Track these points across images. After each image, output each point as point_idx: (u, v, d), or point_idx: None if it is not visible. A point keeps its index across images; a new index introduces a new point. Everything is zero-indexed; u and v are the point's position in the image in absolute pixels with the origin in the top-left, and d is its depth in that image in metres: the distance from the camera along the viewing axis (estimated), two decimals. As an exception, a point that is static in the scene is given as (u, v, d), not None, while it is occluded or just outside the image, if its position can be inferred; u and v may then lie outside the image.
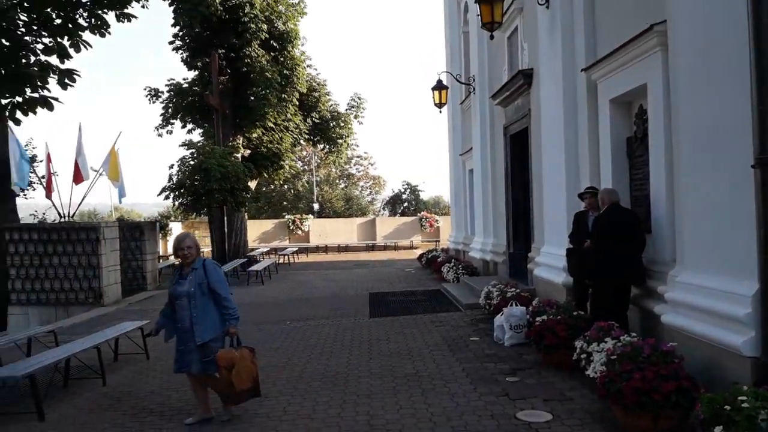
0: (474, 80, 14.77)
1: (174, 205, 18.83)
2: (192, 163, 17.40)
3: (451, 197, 20.34)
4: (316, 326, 9.79)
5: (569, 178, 8.59)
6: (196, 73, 21.54)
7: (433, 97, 15.01)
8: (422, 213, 31.94)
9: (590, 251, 6.75)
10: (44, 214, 21.21)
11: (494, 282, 9.99)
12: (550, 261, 9.01)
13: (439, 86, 14.93)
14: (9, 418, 5.61)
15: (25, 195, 17.99)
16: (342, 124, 25.58)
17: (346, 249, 29.04)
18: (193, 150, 17.75)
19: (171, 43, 20.93)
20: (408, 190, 38.63)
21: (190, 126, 22.46)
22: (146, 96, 21.84)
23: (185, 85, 21.72)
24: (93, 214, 33.47)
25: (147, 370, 7.32)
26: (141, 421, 5.47)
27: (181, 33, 20.68)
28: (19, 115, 6.48)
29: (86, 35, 6.73)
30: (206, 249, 25.33)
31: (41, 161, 18.07)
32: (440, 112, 15.63)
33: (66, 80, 6.60)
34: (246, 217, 22.92)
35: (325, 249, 28.99)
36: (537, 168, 10.29)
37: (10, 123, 7.46)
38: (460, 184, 18.37)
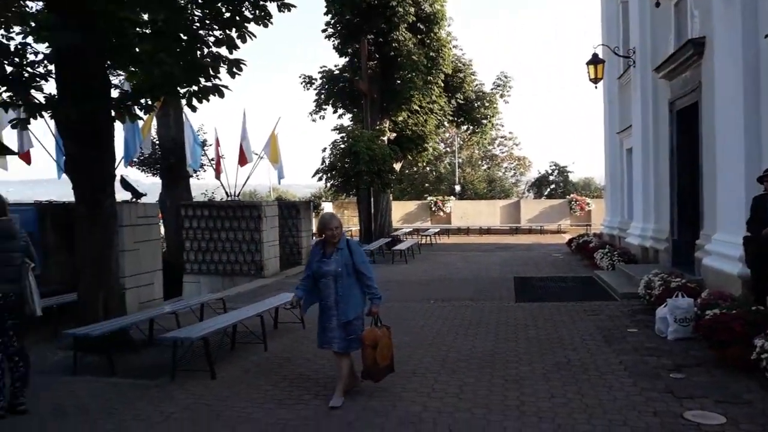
0: (634, 52, 13.66)
1: (326, 186, 19.80)
2: (342, 146, 18.13)
3: (606, 179, 19.12)
4: (459, 307, 9.77)
5: (748, 158, 7.64)
6: (347, 59, 22.27)
7: (588, 72, 14.12)
8: (572, 195, 30.46)
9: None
10: (212, 193, 23.44)
11: (655, 270, 9.24)
12: (724, 249, 8.12)
13: (595, 60, 14.00)
14: (186, 375, 6.26)
15: (197, 176, 19.89)
16: (487, 104, 25.08)
17: (488, 231, 28.62)
18: (344, 134, 18.47)
19: (323, 30, 21.82)
20: (555, 171, 36.95)
21: (340, 111, 23.35)
22: (301, 83, 23.02)
23: (336, 72, 22.56)
24: (253, 194, 36.24)
25: (303, 339, 7.79)
26: (299, 386, 5.83)
27: (332, 20, 21.45)
28: (194, 102, 7.06)
29: (251, 26, 7.18)
30: (354, 228, 26.45)
31: (210, 145, 19.88)
32: (596, 87, 14.68)
33: (234, 69, 7.09)
34: (391, 198, 23.45)
35: (467, 231, 28.81)
36: (708, 147, 9.28)
37: (187, 110, 8.14)
38: (617, 164, 17.19)
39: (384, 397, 5.39)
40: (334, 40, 21.76)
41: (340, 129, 18.75)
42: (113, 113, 6.99)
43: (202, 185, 24.01)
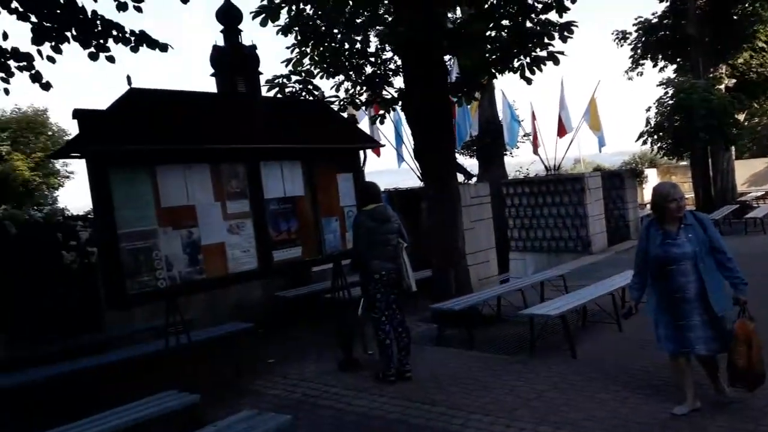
0: None
1: (652, 150, 17.90)
2: (671, 102, 16.08)
3: None
4: None
5: None
6: (667, 4, 19.72)
7: None
8: None
9: None
10: (526, 169, 23.39)
11: None
12: None
13: None
14: (545, 352, 6.17)
15: (510, 153, 20.04)
16: None
17: None
18: (670, 88, 16.36)
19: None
20: None
21: (661, 64, 20.87)
22: (614, 40, 21.27)
23: (654, 21, 20.19)
24: (573, 167, 35.04)
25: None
26: (657, 373, 5.18)
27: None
28: (527, 74, 6.89)
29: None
30: (688, 195, 23.41)
31: (522, 120, 19.76)
32: None
33: (565, 33, 6.71)
34: (733, 156, 20.02)
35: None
36: None
37: (500, 89, 7.85)
38: None
39: (743, 412, 4.33)
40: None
41: (666, 83, 16.65)
42: (451, 98, 7.28)
43: (516, 163, 24.17)
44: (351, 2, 6.42)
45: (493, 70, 6.74)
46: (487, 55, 6.68)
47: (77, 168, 33.09)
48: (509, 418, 4.62)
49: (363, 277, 5.63)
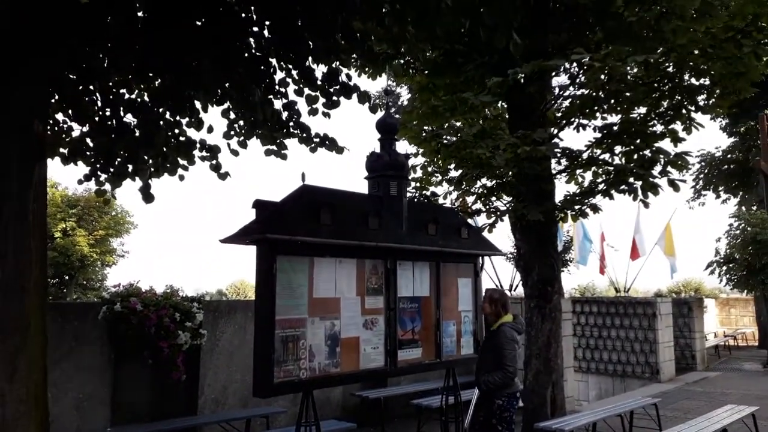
0: None
1: (721, 280, 17.59)
2: (740, 234, 16.00)
3: None
4: None
5: None
6: (736, 139, 20.26)
7: None
8: None
9: None
10: (584, 288, 23.11)
11: None
12: None
13: None
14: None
15: (568, 270, 19.92)
16: None
17: None
18: (741, 221, 16.35)
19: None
20: None
21: (724, 196, 21.05)
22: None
23: (718, 154, 20.66)
24: (592, 289, 34.37)
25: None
26: None
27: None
28: (640, 196, 7.03)
29: (697, 115, 6.98)
30: (746, 329, 22.65)
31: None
32: None
33: (680, 162, 6.91)
34: (802, 292, 19.43)
35: None
36: None
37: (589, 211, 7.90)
38: None
39: None
40: (721, 120, 20.10)
41: (738, 215, 16.69)
42: (559, 213, 7.49)
43: (573, 281, 23.91)
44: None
45: (612, 191, 6.96)
46: (603, 177, 6.94)
47: (133, 248, 34.23)
48: None
49: (491, 395, 5.29)
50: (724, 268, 16.38)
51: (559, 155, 7.32)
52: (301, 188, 4.77)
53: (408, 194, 7.03)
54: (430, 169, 8.07)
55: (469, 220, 7.61)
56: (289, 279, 4.52)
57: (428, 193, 8.39)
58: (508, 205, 7.44)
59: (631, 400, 8.77)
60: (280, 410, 7.22)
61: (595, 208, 7.37)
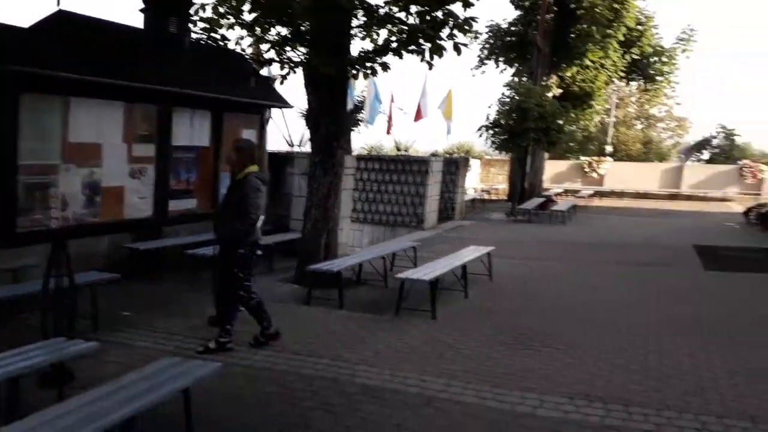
0: None
1: (486, 142, 19.78)
2: (509, 102, 17.93)
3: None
4: (650, 273, 9.62)
5: None
6: (521, 12, 21.87)
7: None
8: (744, 161, 27.90)
9: None
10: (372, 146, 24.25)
11: None
12: None
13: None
14: (409, 312, 6.84)
15: (357, 130, 20.71)
16: (665, 60, 23.61)
17: (644, 196, 27.19)
18: (512, 90, 18.21)
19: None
20: (722, 135, 33.84)
21: (502, 66, 23.11)
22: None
23: (504, 26, 22.28)
24: (379, 148, 36.38)
25: (496, 290, 8.28)
26: (508, 333, 6.19)
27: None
28: (427, 58, 7.37)
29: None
30: (500, 186, 26.36)
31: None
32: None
33: (466, 27, 7.27)
34: (545, 156, 22.96)
35: (620, 194, 27.55)
36: None
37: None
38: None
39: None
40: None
41: (510, 85, 18.54)
42: (351, 69, 7.53)
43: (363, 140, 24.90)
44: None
45: (402, 51, 7.13)
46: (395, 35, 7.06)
47: None
48: (393, 369, 5.16)
49: (236, 240, 5.32)
50: (491, 132, 18.41)
51: (357, 5, 7.19)
52: (57, 14, 4.04)
53: (194, 36, 6.44)
54: (221, 9, 7.31)
55: (262, 72, 7.27)
56: (39, 120, 3.98)
57: (218, 37, 7.65)
58: (302, 57, 7.26)
59: (394, 244, 9.86)
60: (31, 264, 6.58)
61: (386, 67, 7.54)
